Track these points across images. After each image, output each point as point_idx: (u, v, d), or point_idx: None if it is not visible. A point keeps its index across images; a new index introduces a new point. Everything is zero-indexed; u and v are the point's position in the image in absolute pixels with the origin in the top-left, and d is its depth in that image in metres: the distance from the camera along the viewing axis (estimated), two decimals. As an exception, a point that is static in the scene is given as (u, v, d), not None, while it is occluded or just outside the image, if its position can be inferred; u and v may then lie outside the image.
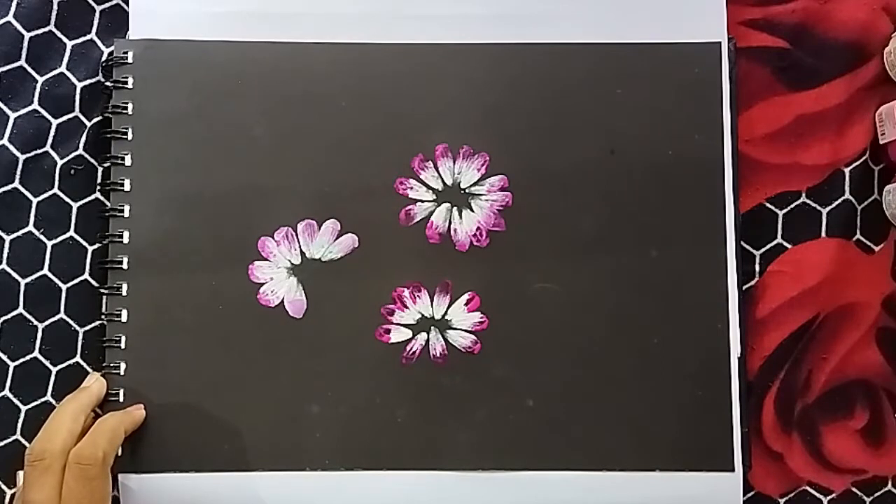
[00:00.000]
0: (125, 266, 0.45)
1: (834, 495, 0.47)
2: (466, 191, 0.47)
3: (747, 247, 0.47)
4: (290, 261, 0.46)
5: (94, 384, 0.44)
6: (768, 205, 0.48)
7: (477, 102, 0.47)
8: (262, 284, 0.46)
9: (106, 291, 0.46)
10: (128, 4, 0.47)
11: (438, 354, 0.46)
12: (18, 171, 0.46)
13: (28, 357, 0.46)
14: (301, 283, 0.46)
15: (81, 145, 0.47)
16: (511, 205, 0.47)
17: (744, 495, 0.46)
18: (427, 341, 0.46)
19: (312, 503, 0.45)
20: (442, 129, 0.47)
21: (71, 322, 0.46)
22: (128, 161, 0.46)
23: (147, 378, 0.45)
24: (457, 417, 0.46)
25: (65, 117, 0.47)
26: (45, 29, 0.47)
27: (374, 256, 0.46)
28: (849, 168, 0.48)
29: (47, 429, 0.42)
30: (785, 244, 0.47)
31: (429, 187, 0.47)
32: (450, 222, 0.46)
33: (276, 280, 0.46)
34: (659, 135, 0.47)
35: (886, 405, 0.47)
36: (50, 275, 0.46)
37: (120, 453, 0.44)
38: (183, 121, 0.46)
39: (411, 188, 0.47)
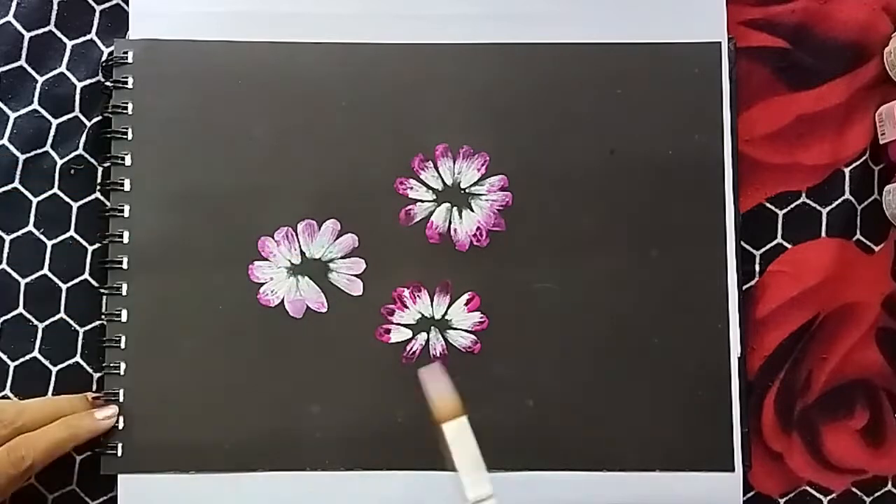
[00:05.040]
0: (125, 266, 0.45)
1: (834, 495, 0.47)
2: (466, 191, 0.47)
3: (747, 247, 0.47)
4: (290, 261, 0.46)
5: (107, 419, 0.44)
6: (768, 205, 0.48)
7: (477, 102, 0.47)
8: (262, 284, 0.46)
9: (106, 291, 0.46)
10: (128, 4, 0.47)
11: (438, 354, 0.46)
12: (18, 171, 0.46)
13: (28, 357, 0.46)
14: (301, 282, 0.46)
15: (81, 145, 0.47)
16: (511, 205, 0.47)
17: (744, 495, 0.46)
18: (427, 341, 0.46)
19: (312, 503, 0.45)
20: (442, 129, 0.47)
21: (71, 322, 0.46)
22: (128, 161, 0.46)
23: (147, 378, 0.45)
24: (457, 417, 0.46)
25: (65, 117, 0.47)
26: (45, 29, 0.47)
27: (374, 256, 0.46)
28: (849, 168, 0.48)
29: (29, 404, 0.42)
30: (785, 244, 0.47)
31: (429, 187, 0.47)
32: (450, 222, 0.46)
33: (276, 280, 0.46)
34: (659, 135, 0.47)
35: (886, 405, 0.47)
36: (50, 275, 0.46)
37: (120, 454, 0.45)
38: (183, 121, 0.46)
39: (411, 188, 0.47)
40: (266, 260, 0.46)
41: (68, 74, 0.47)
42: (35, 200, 0.46)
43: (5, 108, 0.46)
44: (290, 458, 0.45)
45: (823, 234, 0.47)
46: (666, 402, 0.46)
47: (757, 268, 0.47)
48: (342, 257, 0.46)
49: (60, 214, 0.46)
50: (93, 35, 0.47)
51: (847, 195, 0.48)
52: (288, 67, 0.47)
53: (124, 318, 0.45)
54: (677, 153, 0.47)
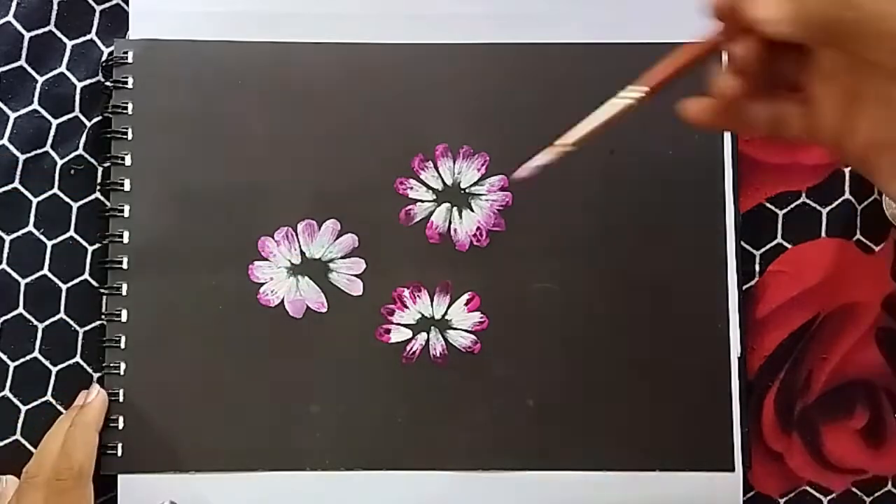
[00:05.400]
0: (125, 266, 0.45)
1: (834, 495, 0.47)
2: (466, 191, 0.47)
3: (747, 247, 0.47)
4: (290, 261, 0.46)
5: (96, 399, 0.44)
6: (768, 205, 0.48)
7: (477, 102, 0.47)
8: (262, 284, 0.46)
9: (106, 291, 0.46)
10: (128, 4, 0.47)
11: (438, 354, 0.46)
12: (18, 171, 0.46)
13: (28, 357, 0.46)
14: (301, 282, 0.46)
15: (81, 145, 0.47)
16: (511, 205, 0.47)
17: (744, 495, 0.46)
18: (427, 341, 0.46)
19: (312, 503, 0.45)
20: (442, 129, 0.47)
21: (71, 322, 0.46)
22: (128, 161, 0.46)
23: (147, 378, 0.45)
24: (457, 417, 0.46)
25: (65, 117, 0.47)
26: (45, 29, 0.47)
27: (374, 256, 0.46)
28: (849, 168, 0.48)
29: (43, 446, 0.43)
30: (785, 244, 0.47)
31: (429, 187, 0.47)
32: (450, 222, 0.46)
33: (276, 280, 0.46)
34: (659, 135, 0.47)
35: (886, 405, 0.47)
36: (50, 275, 0.46)
37: (120, 454, 0.45)
38: (183, 121, 0.46)
39: (411, 188, 0.47)
40: (266, 260, 0.46)
41: (68, 74, 0.47)
42: (35, 200, 0.46)
43: (5, 108, 0.46)
44: (290, 458, 0.45)
45: (823, 234, 0.47)
46: (666, 402, 0.46)
47: (757, 268, 0.47)
48: (342, 257, 0.46)
49: (60, 214, 0.46)
50: (93, 35, 0.47)
51: (847, 195, 0.48)
52: (288, 67, 0.47)
53: (124, 318, 0.45)
54: (677, 153, 0.47)
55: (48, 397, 0.46)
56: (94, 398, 0.44)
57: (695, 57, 0.32)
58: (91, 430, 0.43)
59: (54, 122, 0.46)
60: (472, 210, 0.47)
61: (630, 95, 0.34)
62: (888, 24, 0.23)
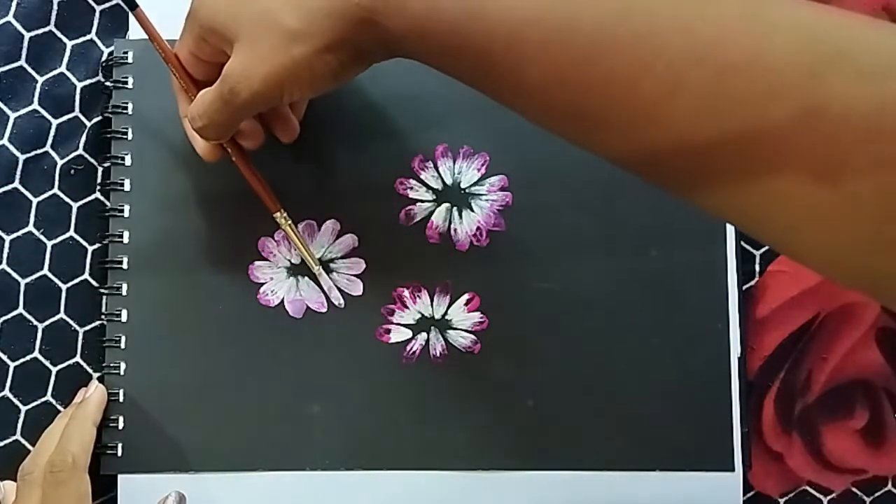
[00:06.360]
0: (125, 266, 0.45)
1: (834, 495, 0.47)
2: (466, 191, 0.47)
3: (747, 247, 0.47)
4: (289, 261, 0.46)
5: (94, 394, 0.44)
6: (768, 205, 0.48)
7: (477, 102, 0.47)
8: (262, 284, 0.46)
9: (106, 291, 0.46)
10: (128, 4, 0.47)
11: (438, 354, 0.46)
12: (18, 171, 0.46)
13: (28, 357, 0.46)
14: (301, 282, 0.46)
15: (81, 145, 0.47)
16: (511, 205, 0.47)
17: (744, 495, 0.46)
18: (427, 341, 0.46)
19: (312, 503, 0.45)
20: (442, 129, 0.47)
21: (71, 322, 0.46)
22: (128, 161, 0.46)
23: (147, 378, 0.45)
24: (457, 417, 0.46)
25: (65, 117, 0.47)
26: (45, 29, 0.47)
27: (374, 256, 0.46)
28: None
29: (40, 443, 0.43)
30: (785, 244, 0.47)
31: (429, 187, 0.47)
32: (450, 222, 0.46)
33: (276, 280, 0.46)
34: (659, 135, 0.47)
35: (886, 405, 0.47)
36: (50, 275, 0.46)
37: (120, 454, 0.45)
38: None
39: (411, 188, 0.47)
40: (266, 260, 0.46)
41: (68, 74, 0.47)
42: (35, 200, 0.46)
43: (5, 108, 0.46)
44: (290, 458, 0.45)
45: (823, 234, 0.47)
46: (666, 402, 0.46)
47: (757, 268, 0.47)
48: (342, 257, 0.46)
49: (60, 214, 0.46)
50: (93, 35, 0.47)
51: (847, 195, 0.47)
52: (288, 67, 0.46)
53: (124, 318, 0.45)
54: (677, 153, 0.47)
55: (48, 397, 0.46)
56: (92, 393, 0.44)
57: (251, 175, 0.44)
58: (87, 423, 0.43)
59: (54, 122, 0.46)
60: (472, 210, 0.47)
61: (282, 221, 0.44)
62: (245, 96, 0.35)
